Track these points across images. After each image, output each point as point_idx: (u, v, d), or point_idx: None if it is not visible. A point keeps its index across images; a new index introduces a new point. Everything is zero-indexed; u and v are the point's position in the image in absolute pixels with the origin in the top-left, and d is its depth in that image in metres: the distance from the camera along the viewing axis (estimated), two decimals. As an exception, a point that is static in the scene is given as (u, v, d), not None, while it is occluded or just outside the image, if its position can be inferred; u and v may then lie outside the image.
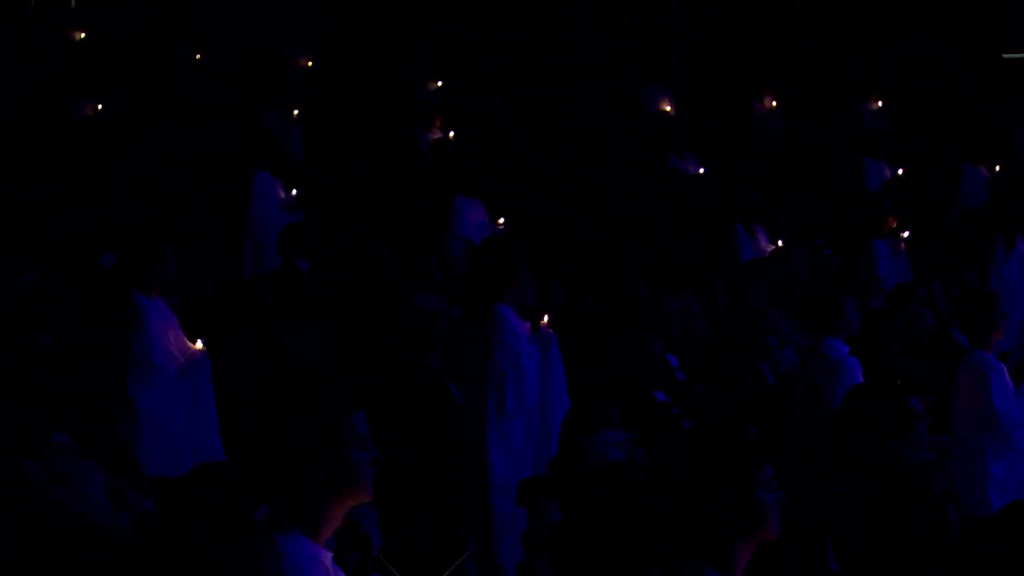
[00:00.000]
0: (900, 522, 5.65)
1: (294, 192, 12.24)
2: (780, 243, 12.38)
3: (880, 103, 16.97)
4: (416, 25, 17.72)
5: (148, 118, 14.08)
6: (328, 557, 4.17)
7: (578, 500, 6.95)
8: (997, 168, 14.68)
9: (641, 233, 12.52)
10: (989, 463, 8.33)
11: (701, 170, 14.66)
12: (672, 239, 12.26)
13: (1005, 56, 18.05)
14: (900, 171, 14.79)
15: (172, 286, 8.54)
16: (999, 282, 11.54)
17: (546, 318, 8.38)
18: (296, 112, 14.70)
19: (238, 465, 7.58)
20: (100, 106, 14.20)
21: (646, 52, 17.72)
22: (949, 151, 15.44)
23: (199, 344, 8.09)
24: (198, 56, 16.33)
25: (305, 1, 17.92)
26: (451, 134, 14.57)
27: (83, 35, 16.57)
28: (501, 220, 11.96)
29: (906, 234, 12.25)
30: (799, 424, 8.21)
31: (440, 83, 16.33)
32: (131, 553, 6.37)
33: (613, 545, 6.58)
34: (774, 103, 16.86)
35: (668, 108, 16.32)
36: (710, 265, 11.66)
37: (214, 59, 16.37)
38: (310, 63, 16.65)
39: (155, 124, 13.92)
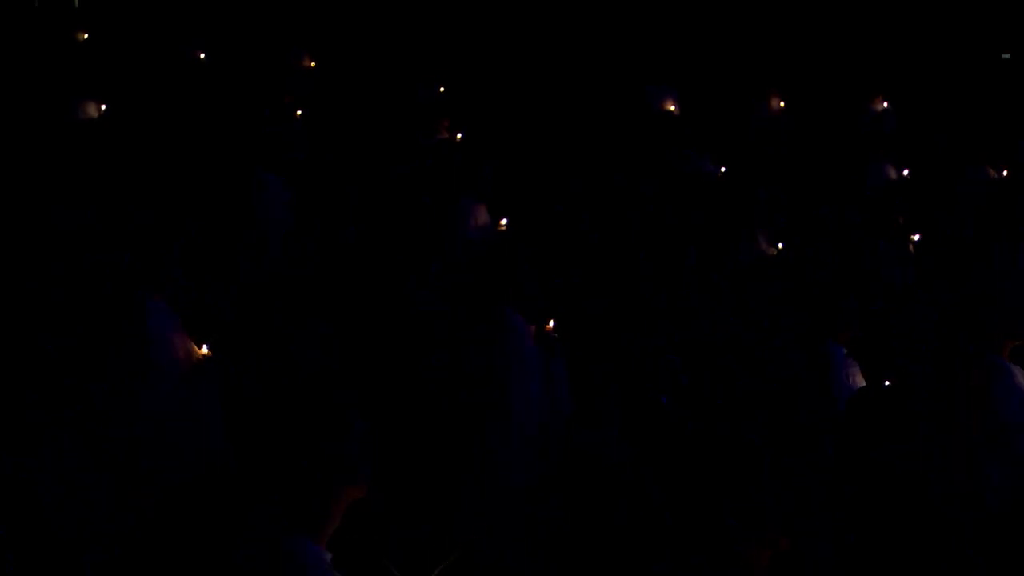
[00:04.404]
0: (900, 525, 5.65)
1: (297, 193, 12.23)
2: (782, 244, 12.37)
3: (885, 103, 16.95)
4: (418, 27, 17.74)
5: (151, 119, 14.08)
6: (329, 558, 4.18)
7: (581, 503, 6.95)
8: (1002, 168, 14.68)
9: (645, 234, 12.51)
10: (994, 469, 8.30)
11: (704, 170, 14.64)
12: (675, 240, 12.24)
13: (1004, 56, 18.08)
14: (905, 172, 14.78)
15: (178, 287, 8.54)
16: (1004, 284, 11.51)
17: (551, 323, 8.39)
18: (299, 113, 14.70)
19: (242, 467, 7.59)
20: (104, 107, 14.21)
21: (648, 52, 17.72)
22: (952, 152, 15.44)
23: (204, 349, 8.09)
24: (201, 56, 16.34)
25: (308, 1, 17.95)
26: (458, 136, 14.57)
27: (86, 35, 16.60)
28: (504, 221, 11.95)
29: (916, 236, 12.24)
30: (803, 427, 8.21)
31: (445, 85, 16.33)
32: (133, 556, 6.37)
33: (617, 547, 6.58)
34: (782, 103, 16.84)
35: (672, 108, 16.31)
36: (713, 266, 11.65)
37: (217, 59, 16.38)
38: (313, 63, 16.66)
39: (158, 125, 13.92)
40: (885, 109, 16.86)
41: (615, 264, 11.63)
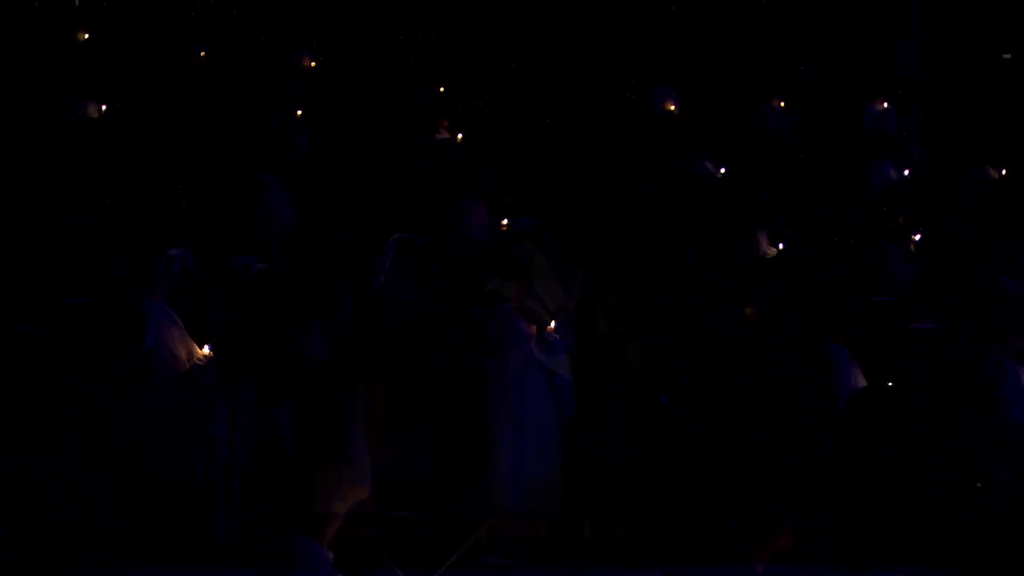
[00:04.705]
0: (900, 524, 5.65)
1: (298, 193, 12.24)
2: (782, 244, 12.37)
3: (885, 104, 16.95)
4: (420, 27, 17.73)
5: (151, 119, 14.08)
6: (329, 558, 4.19)
7: (584, 502, 6.95)
8: (1002, 168, 14.68)
9: (645, 234, 12.50)
10: (996, 468, 8.30)
11: (704, 170, 14.65)
12: (676, 240, 12.24)
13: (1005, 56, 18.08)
14: (906, 172, 14.78)
15: (178, 287, 8.54)
16: (1006, 283, 11.52)
17: (552, 324, 8.38)
18: (300, 113, 14.70)
19: (243, 467, 7.58)
20: (104, 107, 14.21)
21: (650, 52, 17.71)
22: (952, 152, 15.44)
23: (206, 349, 8.09)
24: (202, 55, 16.34)
25: (309, 1, 17.93)
26: (459, 136, 14.56)
27: (87, 35, 16.59)
28: (505, 222, 11.94)
29: (917, 237, 12.23)
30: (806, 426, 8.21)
31: (446, 85, 16.33)
32: (133, 556, 6.37)
33: (617, 547, 6.58)
34: (782, 103, 16.84)
35: (672, 108, 16.31)
36: (713, 266, 11.64)
37: (218, 60, 16.38)
38: (314, 64, 16.65)
39: (158, 125, 13.92)
40: (885, 109, 16.86)
41: (615, 264, 11.62)
